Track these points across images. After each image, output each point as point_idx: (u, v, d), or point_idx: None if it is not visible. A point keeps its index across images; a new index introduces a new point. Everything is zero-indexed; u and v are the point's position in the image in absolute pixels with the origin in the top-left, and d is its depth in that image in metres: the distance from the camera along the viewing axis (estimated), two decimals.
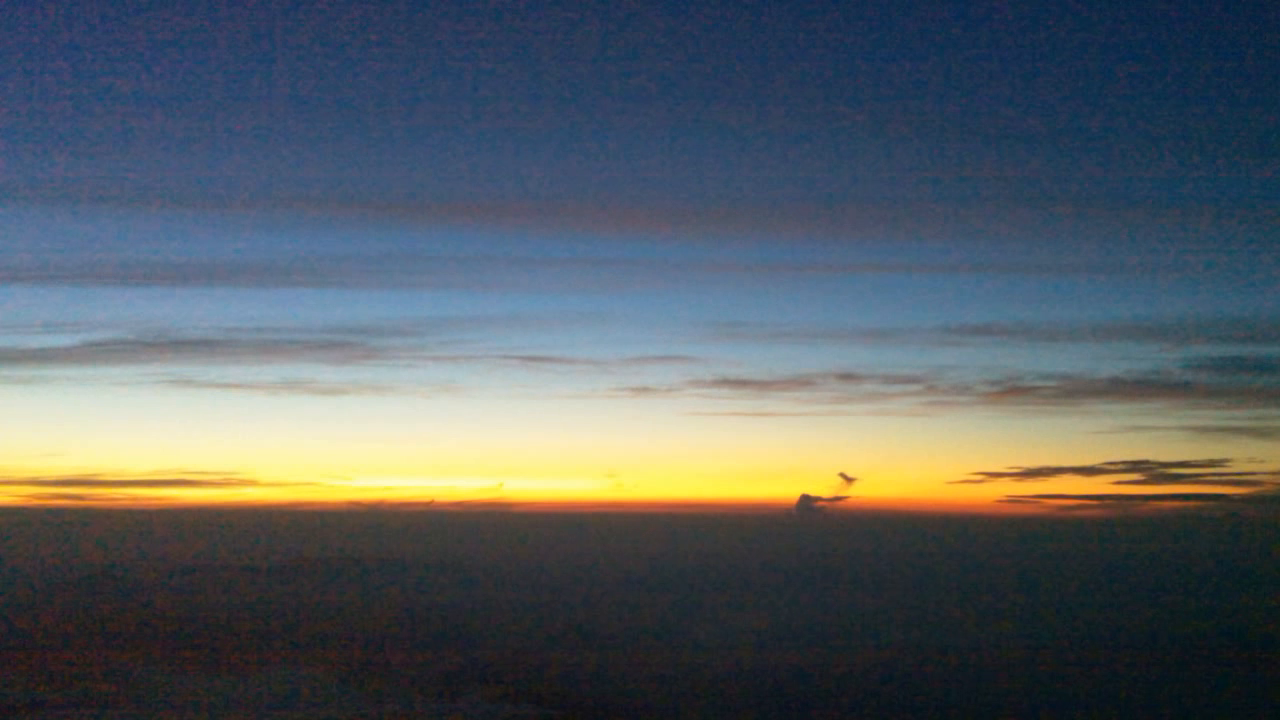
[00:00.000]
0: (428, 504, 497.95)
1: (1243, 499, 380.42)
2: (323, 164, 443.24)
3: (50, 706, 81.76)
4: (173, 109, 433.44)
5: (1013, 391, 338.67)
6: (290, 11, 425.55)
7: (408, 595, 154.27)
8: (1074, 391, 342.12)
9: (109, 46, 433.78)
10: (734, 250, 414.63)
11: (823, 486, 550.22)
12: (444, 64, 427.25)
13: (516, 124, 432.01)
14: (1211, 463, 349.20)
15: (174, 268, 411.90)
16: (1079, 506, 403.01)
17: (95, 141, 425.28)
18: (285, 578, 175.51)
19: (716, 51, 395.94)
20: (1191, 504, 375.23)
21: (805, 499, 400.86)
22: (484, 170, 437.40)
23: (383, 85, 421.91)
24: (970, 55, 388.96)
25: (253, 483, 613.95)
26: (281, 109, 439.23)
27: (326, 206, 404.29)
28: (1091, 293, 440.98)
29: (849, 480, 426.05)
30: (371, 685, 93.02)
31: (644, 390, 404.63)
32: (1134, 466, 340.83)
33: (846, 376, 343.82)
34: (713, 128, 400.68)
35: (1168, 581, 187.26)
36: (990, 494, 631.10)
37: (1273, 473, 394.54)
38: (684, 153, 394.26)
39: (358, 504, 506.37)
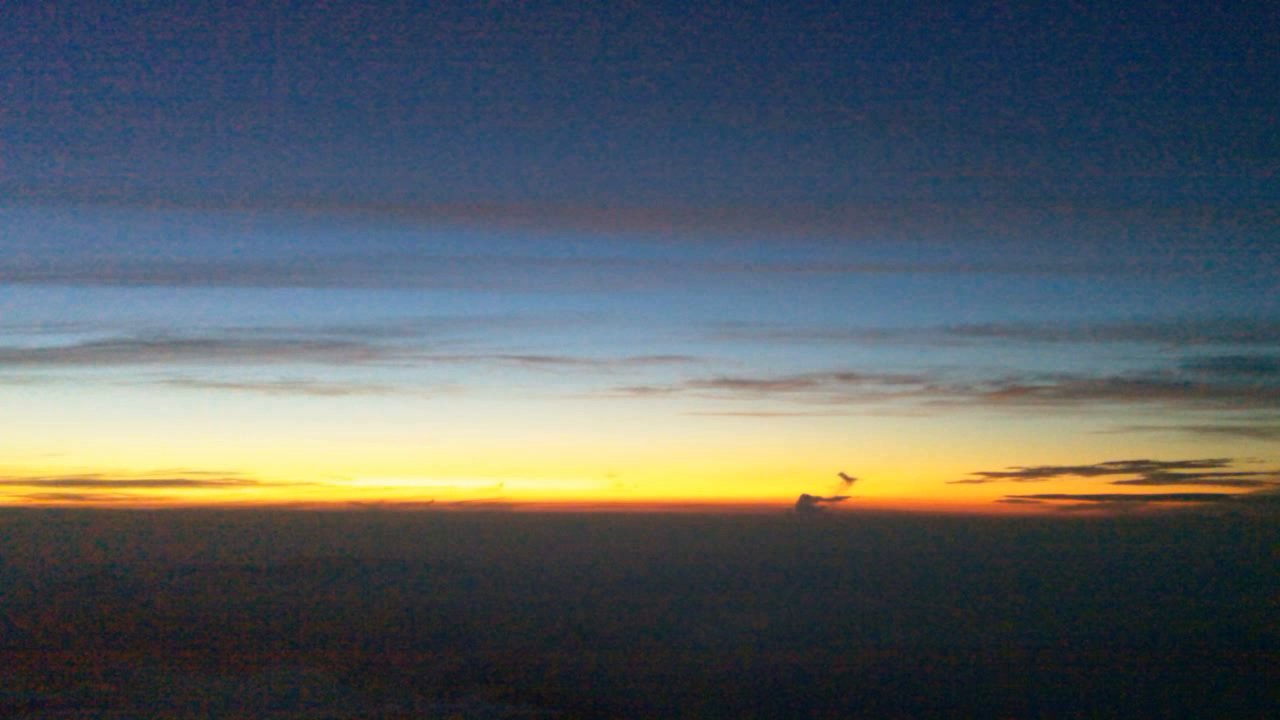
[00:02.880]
0: (428, 504, 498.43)
1: (1243, 499, 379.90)
2: (322, 164, 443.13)
3: (50, 706, 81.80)
4: (173, 109, 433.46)
5: (1013, 391, 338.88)
6: (290, 11, 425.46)
7: (408, 595, 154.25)
8: (1074, 391, 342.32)
9: (109, 46, 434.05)
10: (734, 250, 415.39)
11: (823, 486, 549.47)
12: (444, 64, 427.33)
13: (516, 124, 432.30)
14: (1211, 463, 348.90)
15: (174, 268, 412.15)
16: (1079, 506, 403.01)
17: (95, 141, 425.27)
18: (285, 578, 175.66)
19: (716, 51, 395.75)
20: (1191, 504, 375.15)
21: (805, 499, 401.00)
22: (484, 170, 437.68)
23: (383, 85, 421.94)
24: (970, 55, 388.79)
25: (253, 483, 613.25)
26: (281, 109, 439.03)
27: (326, 206, 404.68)
28: (1091, 293, 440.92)
29: (849, 480, 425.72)
30: (371, 685, 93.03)
31: (644, 390, 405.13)
32: (1134, 466, 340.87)
33: (846, 376, 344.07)
34: (713, 128, 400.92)
35: (1168, 581, 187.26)
36: (990, 494, 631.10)
37: (1273, 473, 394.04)
38: (684, 153, 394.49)
39: (358, 504, 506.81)
